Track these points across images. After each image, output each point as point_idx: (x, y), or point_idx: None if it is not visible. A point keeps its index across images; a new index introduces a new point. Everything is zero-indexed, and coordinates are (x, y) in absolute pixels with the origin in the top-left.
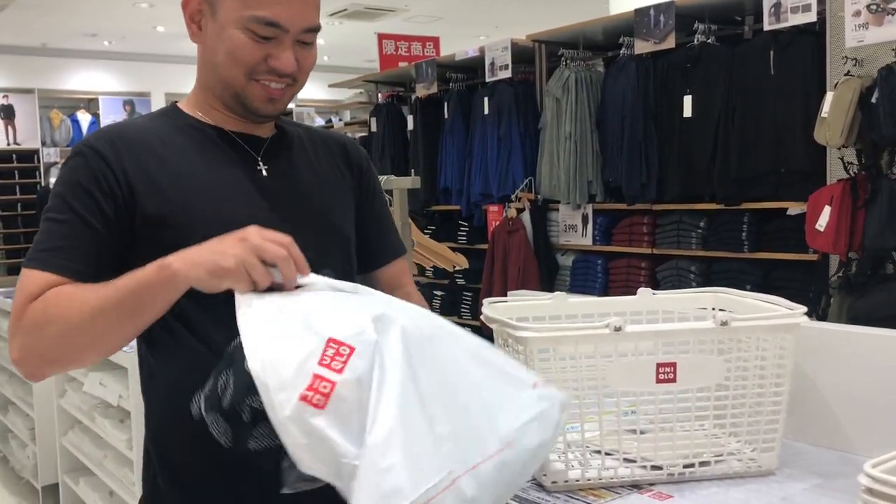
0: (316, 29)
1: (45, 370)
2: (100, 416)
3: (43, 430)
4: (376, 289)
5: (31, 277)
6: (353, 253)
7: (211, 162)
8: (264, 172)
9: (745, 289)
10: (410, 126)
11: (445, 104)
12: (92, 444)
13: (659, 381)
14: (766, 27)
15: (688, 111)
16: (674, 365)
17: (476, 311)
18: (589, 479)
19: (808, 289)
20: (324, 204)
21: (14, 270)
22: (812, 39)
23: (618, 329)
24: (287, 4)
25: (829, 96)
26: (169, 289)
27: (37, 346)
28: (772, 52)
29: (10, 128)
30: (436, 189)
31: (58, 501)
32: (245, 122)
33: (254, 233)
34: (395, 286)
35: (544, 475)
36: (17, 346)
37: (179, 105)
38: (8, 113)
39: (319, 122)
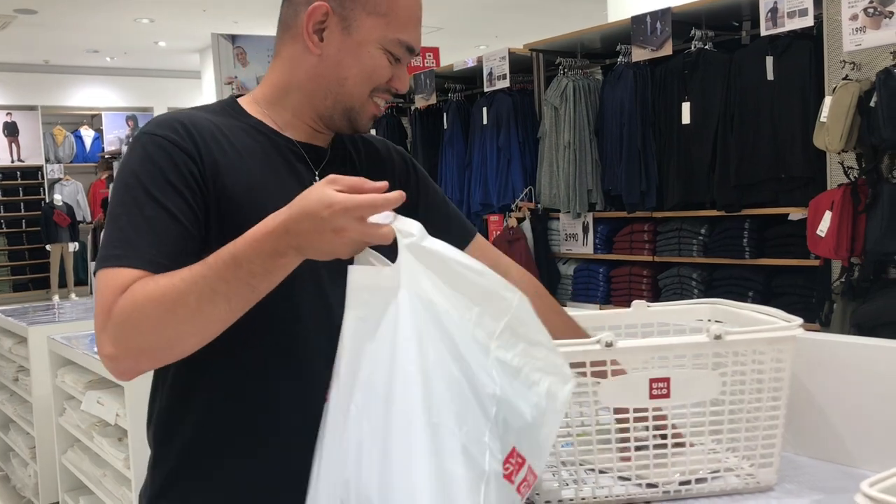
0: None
1: (141, 364)
2: (98, 434)
3: (43, 448)
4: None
5: (118, 273)
6: None
7: (276, 173)
8: None
9: (747, 295)
10: (410, 137)
11: (444, 115)
12: (91, 463)
13: (652, 396)
14: (764, 32)
15: (686, 118)
16: (667, 380)
17: None
18: (583, 499)
19: (811, 294)
20: None
21: (20, 287)
22: (809, 44)
23: (609, 344)
24: (417, 30)
25: (828, 101)
26: (280, 274)
27: (133, 338)
28: (769, 58)
29: (13, 145)
30: None
31: None
32: (312, 132)
33: (346, 222)
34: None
35: (537, 494)
36: (111, 341)
37: (241, 103)
38: (12, 130)
39: None
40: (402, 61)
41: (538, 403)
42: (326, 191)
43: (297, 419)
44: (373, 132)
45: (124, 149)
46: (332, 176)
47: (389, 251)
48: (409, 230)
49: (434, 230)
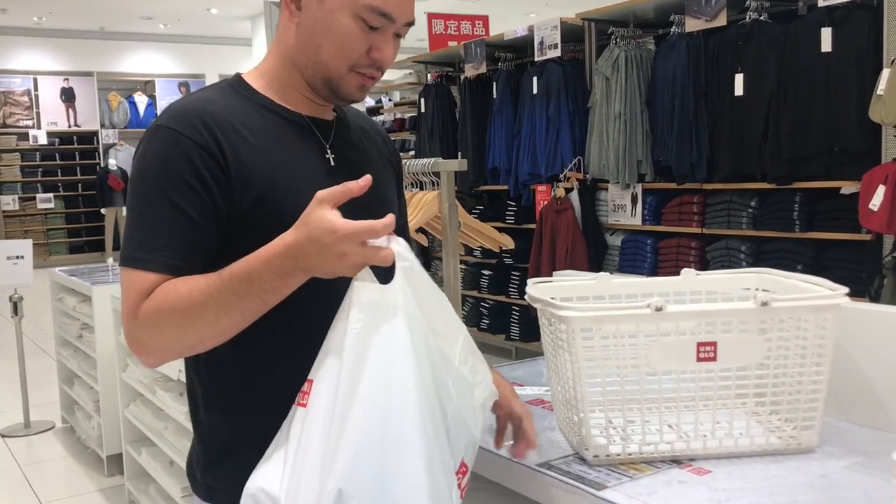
0: (413, 23)
1: (165, 359)
2: (160, 389)
3: (107, 402)
4: None
5: (140, 277)
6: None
7: (292, 150)
8: (332, 162)
9: (795, 269)
10: (459, 106)
11: (494, 84)
12: (153, 416)
13: (700, 359)
14: (821, 3)
15: (739, 90)
16: (714, 344)
17: (524, 291)
18: (630, 454)
19: (861, 269)
20: (380, 193)
21: (76, 249)
22: (869, 15)
23: (659, 309)
24: None
25: (886, 73)
26: (289, 290)
27: (156, 343)
28: (826, 29)
29: (70, 110)
30: (484, 169)
31: (121, 470)
32: (316, 106)
33: (348, 247)
34: None
35: (586, 449)
36: (137, 345)
37: (247, 79)
38: (69, 96)
39: (370, 102)
40: (382, 31)
41: (476, 416)
42: (326, 216)
43: None
44: (422, 101)
45: None
46: (320, 195)
47: (382, 270)
48: (405, 254)
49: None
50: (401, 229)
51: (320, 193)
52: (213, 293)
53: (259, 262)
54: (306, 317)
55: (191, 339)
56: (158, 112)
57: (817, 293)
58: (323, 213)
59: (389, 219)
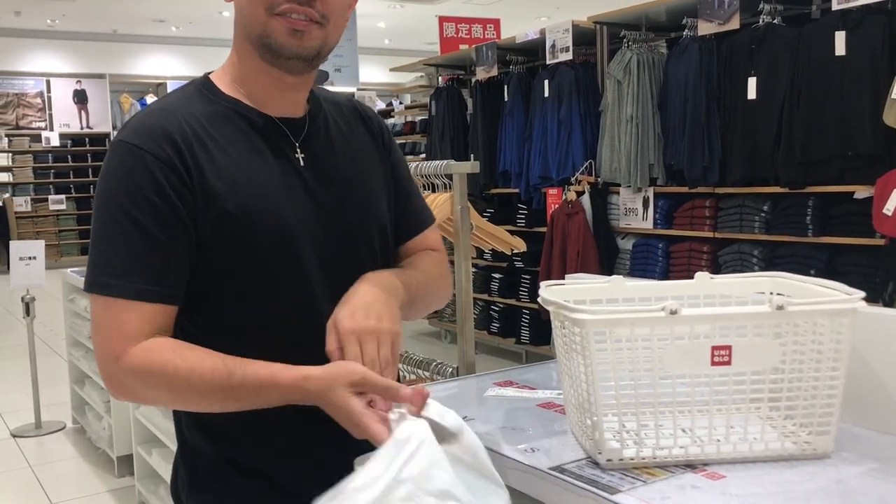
0: None
1: (136, 401)
2: None
3: (117, 403)
4: (405, 256)
5: (119, 310)
6: (390, 232)
7: (258, 156)
8: (301, 161)
9: (809, 274)
10: (470, 109)
11: (505, 87)
12: (164, 417)
13: (714, 363)
14: (835, 6)
15: (752, 93)
16: (729, 348)
17: (534, 294)
18: (643, 458)
19: (875, 274)
20: (359, 187)
21: (87, 250)
22: (883, 19)
23: (674, 312)
24: None
25: None
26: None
27: (140, 395)
28: (840, 32)
29: (83, 112)
30: (495, 172)
31: (132, 471)
32: (285, 101)
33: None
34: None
35: (599, 453)
36: (118, 386)
37: (213, 79)
38: (81, 98)
39: (380, 105)
40: None
41: None
42: (350, 402)
43: None
44: (433, 103)
45: None
46: (361, 379)
47: None
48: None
49: (394, 213)
50: (415, 212)
51: (362, 378)
52: (214, 388)
53: (274, 385)
54: (293, 342)
55: (173, 404)
56: None
57: (833, 297)
58: (348, 399)
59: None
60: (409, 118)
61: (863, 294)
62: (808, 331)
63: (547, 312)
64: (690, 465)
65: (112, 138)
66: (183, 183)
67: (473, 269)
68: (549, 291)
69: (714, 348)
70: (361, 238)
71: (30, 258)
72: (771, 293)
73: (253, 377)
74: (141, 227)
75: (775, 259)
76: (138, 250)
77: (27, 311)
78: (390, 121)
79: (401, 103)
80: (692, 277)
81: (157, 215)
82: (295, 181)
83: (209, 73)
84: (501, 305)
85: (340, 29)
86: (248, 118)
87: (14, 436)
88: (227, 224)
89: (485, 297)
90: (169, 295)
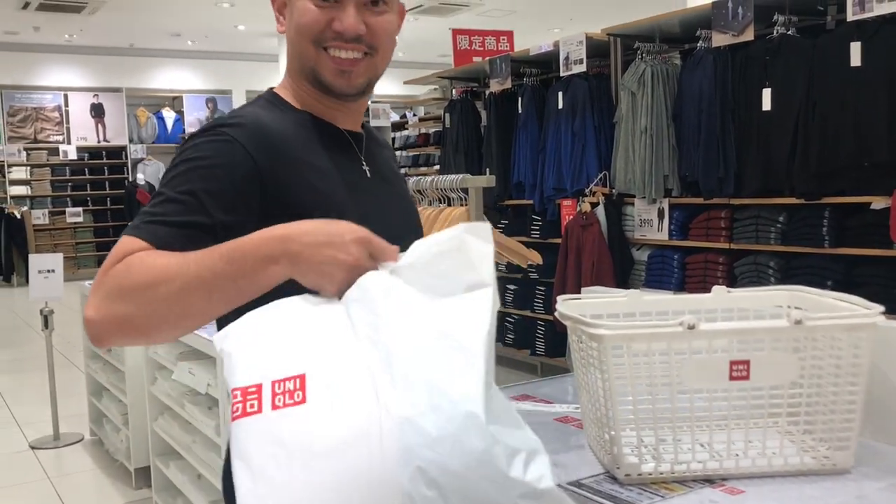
0: None
1: (115, 337)
2: (189, 403)
3: (135, 415)
4: None
5: (128, 241)
6: None
7: (336, 161)
8: (368, 174)
9: (825, 285)
10: (484, 121)
11: (519, 99)
12: (181, 430)
13: (732, 378)
14: (850, 17)
15: (767, 104)
16: (747, 363)
17: (549, 306)
18: (661, 473)
19: (893, 285)
20: (406, 201)
21: (102, 262)
22: None
23: (691, 327)
24: None
25: None
26: (266, 281)
27: (114, 308)
28: (855, 43)
29: (100, 126)
30: (509, 184)
31: (149, 483)
32: (344, 116)
33: (356, 250)
34: None
35: (617, 468)
36: (95, 306)
37: (281, 94)
38: (98, 111)
39: (394, 117)
40: (340, 2)
41: None
42: (354, 226)
43: None
44: (447, 116)
45: None
46: (367, 236)
47: None
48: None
49: None
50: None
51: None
52: (188, 263)
53: (248, 241)
54: None
55: (145, 311)
56: (186, 127)
57: (852, 311)
58: (350, 223)
59: (394, 250)
60: (423, 130)
61: (882, 308)
62: (827, 345)
63: (562, 324)
64: (709, 480)
65: (129, 152)
66: (260, 175)
67: None
68: (567, 306)
69: (732, 363)
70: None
71: (48, 271)
72: (789, 307)
73: (230, 242)
74: (193, 193)
75: (791, 270)
76: (179, 209)
77: (46, 324)
78: (404, 132)
79: (414, 115)
80: (708, 289)
81: (216, 190)
82: (365, 188)
83: (273, 89)
84: (516, 317)
85: (389, 55)
86: (322, 129)
87: (32, 447)
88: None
89: (499, 308)
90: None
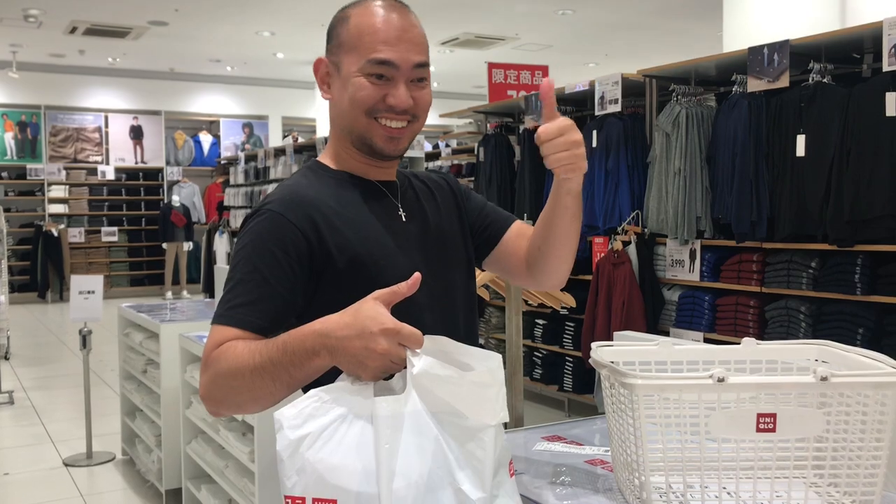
0: (424, 64)
1: (220, 410)
2: (224, 428)
3: (168, 437)
4: (508, 253)
5: (218, 330)
6: (473, 267)
7: (373, 211)
8: (403, 218)
9: (856, 332)
10: (518, 156)
11: None
12: (214, 454)
13: (759, 430)
14: (886, 67)
15: (801, 150)
16: (774, 416)
17: (578, 342)
18: None
19: None
20: (446, 234)
21: (136, 282)
22: None
23: (721, 379)
24: (396, 46)
25: None
26: (313, 370)
27: (212, 391)
28: (891, 94)
29: (138, 147)
30: None
31: None
32: (379, 170)
33: (386, 343)
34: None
35: None
36: (203, 385)
37: (323, 161)
38: (137, 133)
39: (427, 147)
40: (393, 80)
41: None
42: (379, 309)
43: None
44: (481, 150)
45: (240, 154)
46: (375, 294)
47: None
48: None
49: (476, 226)
50: (503, 220)
51: (375, 293)
52: (254, 356)
53: (296, 337)
54: None
55: (233, 397)
56: (222, 151)
57: (878, 370)
58: (377, 307)
59: (420, 337)
60: (456, 162)
61: None
62: (853, 401)
63: (590, 362)
64: None
65: (165, 174)
66: (307, 242)
67: None
68: (600, 353)
69: (759, 415)
70: (457, 270)
71: (88, 292)
72: (816, 360)
73: (285, 335)
74: (258, 271)
75: (823, 316)
76: (250, 289)
77: (84, 344)
78: (437, 163)
79: (447, 146)
80: (738, 332)
81: (273, 264)
82: (402, 232)
83: (316, 159)
84: (545, 352)
85: (425, 118)
86: (357, 184)
87: (66, 465)
88: (356, 261)
89: (528, 342)
90: (259, 326)
